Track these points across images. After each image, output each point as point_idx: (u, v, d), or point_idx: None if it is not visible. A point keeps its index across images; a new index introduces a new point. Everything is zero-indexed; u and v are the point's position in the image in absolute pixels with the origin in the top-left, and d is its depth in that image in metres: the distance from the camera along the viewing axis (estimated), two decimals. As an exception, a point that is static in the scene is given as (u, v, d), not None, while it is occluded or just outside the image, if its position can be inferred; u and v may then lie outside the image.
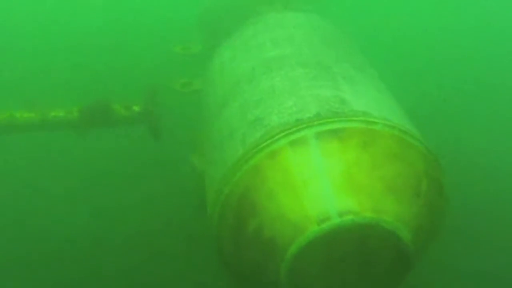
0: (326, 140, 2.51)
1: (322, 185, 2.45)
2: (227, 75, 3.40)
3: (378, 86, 3.10)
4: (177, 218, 4.44)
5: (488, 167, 4.92)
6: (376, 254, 2.53)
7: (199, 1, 5.12)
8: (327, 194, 2.45)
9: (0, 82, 5.01)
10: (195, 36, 4.83)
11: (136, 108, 4.61)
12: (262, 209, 2.52)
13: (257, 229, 2.54)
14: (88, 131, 4.59)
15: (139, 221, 4.42)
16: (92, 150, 4.85)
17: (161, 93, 4.60)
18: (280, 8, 3.93)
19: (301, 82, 2.86)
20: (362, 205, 2.45)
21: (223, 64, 3.58)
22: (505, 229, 4.28)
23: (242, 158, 2.59)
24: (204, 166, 3.93)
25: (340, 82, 2.86)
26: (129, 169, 4.90)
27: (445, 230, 2.91)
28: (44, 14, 6.00)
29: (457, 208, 3.05)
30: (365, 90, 2.87)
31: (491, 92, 6.09)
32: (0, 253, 4.01)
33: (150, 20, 6.09)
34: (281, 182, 2.49)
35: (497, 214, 4.47)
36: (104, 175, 4.93)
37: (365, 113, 2.61)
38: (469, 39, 7.01)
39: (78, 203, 4.64)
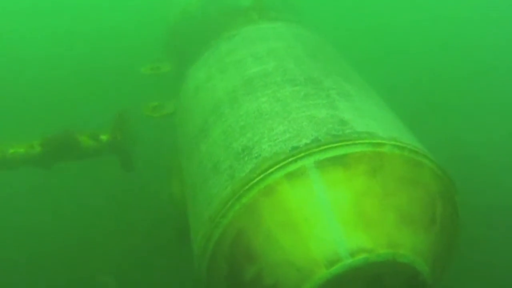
0: (328, 169, 2.16)
1: (329, 222, 2.11)
2: (204, 98, 3.03)
3: (375, 99, 2.78)
4: (154, 250, 4.21)
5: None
6: (392, 292, 2.21)
7: (163, 17, 4.75)
8: (335, 231, 2.10)
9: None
10: (164, 54, 4.45)
11: (104, 138, 4.21)
12: (260, 254, 2.16)
13: (256, 277, 2.18)
14: (53, 166, 4.18)
15: (114, 255, 4.17)
16: (60, 184, 4.41)
17: (131, 119, 4.21)
18: (256, 18, 3.58)
19: (291, 103, 2.51)
20: (376, 240, 2.12)
21: (198, 86, 3.21)
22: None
23: (233, 196, 2.22)
24: (182, 194, 3.63)
25: (335, 99, 2.53)
26: (102, 201, 4.49)
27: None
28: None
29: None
30: (364, 106, 2.54)
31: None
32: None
33: (115, 41, 5.64)
34: (281, 222, 2.14)
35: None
36: (75, 211, 4.53)
37: (370, 134, 2.28)
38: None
39: (49, 239, 4.23)
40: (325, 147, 2.19)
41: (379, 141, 2.25)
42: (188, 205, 2.84)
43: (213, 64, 3.25)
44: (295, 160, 2.17)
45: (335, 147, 2.19)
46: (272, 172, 2.17)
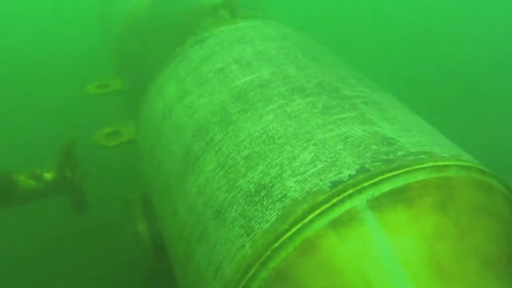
0: (387, 209, 1.56)
1: (397, 282, 1.51)
2: (180, 121, 2.37)
3: (401, 104, 2.22)
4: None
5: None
6: None
7: (104, 23, 4.01)
8: (406, 294, 1.51)
9: None
10: (112, 71, 3.72)
11: (48, 176, 3.44)
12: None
13: None
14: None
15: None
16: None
17: (80, 150, 3.46)
18: (229, 18, 2.94)
19: (310, 119, 1.90)
20: (458, 297, 1.55)
21: (168, 105, 2.54)
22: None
23: (256, 259, 1.58)
24: (152, 234, 2.99)
25: (364, 110, 1.94)
26: (54, 243, 3.69)
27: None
28: None
29: None
30: (401, 117, 1.97)
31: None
32: None
33: (53, 56, 4.76)
34: (329, 290, 1.52)
35: None
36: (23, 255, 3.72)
37: (428, 154, 1.70)
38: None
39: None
40: (378, 178, 1.59)
41: (443, 162, 1.68)
42: (175, 262, 2.17)
43: (185, 76, 2.58)
44: (341, 201, 1.56)
45: (391, 177, 1.59)
46: (310, 221, 1.55)
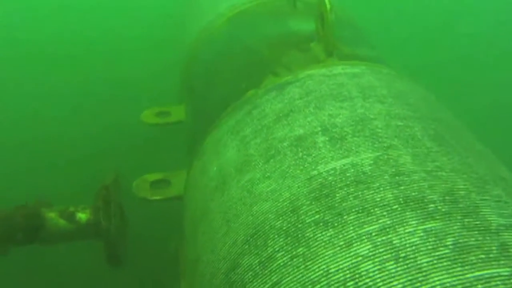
0: None
1: None
2: (233, 209, 1.67)
3: None
4: None
5: None
6: None
7: (184, 42, 3.36)
8: None
9: None
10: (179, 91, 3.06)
11: (82, 217, 2.86)
12: None
13: None
14: (9, 251, 2.87)
15: None
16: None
17: (123, 192, 2.86)
18: (323, 56, 2.19)
19: (432, 270, 1.13)
20: None
21: (223, 176, 1.85)
22: None
23: None
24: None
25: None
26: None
27: None
28: None
29: None
30: None
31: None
32: None
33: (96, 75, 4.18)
34: None
35: None
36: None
37: None
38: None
39: None
40: None
41: None
42: None
43: (251, 137, 1.86)
44: None
45: None
46: None
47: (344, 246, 1.27)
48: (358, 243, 1.26)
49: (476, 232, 1.22)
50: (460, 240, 1.20)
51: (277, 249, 1.38)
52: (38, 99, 3.86)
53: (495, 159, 1.73)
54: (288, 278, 1.29)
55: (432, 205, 1.31)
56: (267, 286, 1.32)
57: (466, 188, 1.37)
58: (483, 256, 1.16)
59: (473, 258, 1.15)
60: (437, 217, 1.27)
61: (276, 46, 2.38)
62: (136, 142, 3.28)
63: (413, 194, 1.35)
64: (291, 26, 2.54)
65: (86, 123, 3.67)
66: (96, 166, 2.90)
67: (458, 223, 1.25)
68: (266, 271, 1.36)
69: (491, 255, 1.16)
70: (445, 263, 1.15)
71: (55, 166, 3.36)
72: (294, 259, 1.32)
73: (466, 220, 1.26)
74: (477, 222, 1.25)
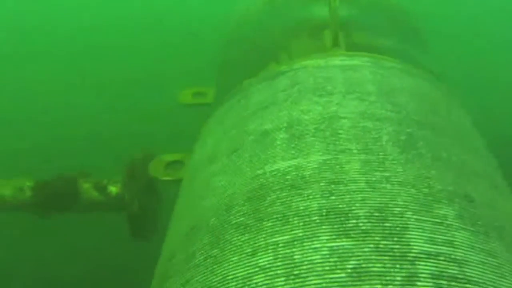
0: None
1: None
2: (191, 199, 1.64)
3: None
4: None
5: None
6: None
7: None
8: None
9: None
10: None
11: (113, 190, 2.98)
12: None
13: None
14: (46, 216, 3.08)
15: None
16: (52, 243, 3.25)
17: (157, 166, 2.91)
18: (330, 44, 2.05)
19: None
20: None
21: (197, 165, 1.82)
22: None
23: None
24: None
25: None
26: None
27: None
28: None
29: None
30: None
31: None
32: None
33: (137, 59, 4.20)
34: None
35: None
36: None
37: None
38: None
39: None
40: None
41: None
42: None
43: (229, 129, 1.80)
44: None
45: None
46: None
47: (249, 254, 1.19)
48: (262, 253, 1.17)
49: (387, 258, 1.08)
50: (363, 265, 1.07)
51: (199, 247, 1.34)
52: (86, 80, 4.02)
53: (488, 174, 1.52)
54: (196, 279, 1.25)
55: (353, 221, 1.17)
56: (180, 282, 1.29)
57: (404, 205, 1.22)
58: (379, 286, 1.02)
59: (367, 287, 1.02)
60: (352, 235, 1.14)
61: (289, 32, 2.27)
62: (174, 122, 3.33)
63: (340, 206, 1.22)
64: (315, 10, 2.40)
65: (130, 105, 3.79)
66: (137, 145, 2.98)
67: (371, 245, 1.11)
68: (185, 268, 1.32)
69: (389, 286, 1.02)
70: (333, 288, 1.03)
71: (103, 143, 3.53)
72: (207, 260, 1.27)
73: (383, 242, 1.12)
74: (395, 246, 1.11)
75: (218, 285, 1.17)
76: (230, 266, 1.19)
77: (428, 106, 1.73)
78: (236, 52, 2.67)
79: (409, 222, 1.17)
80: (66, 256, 3.23)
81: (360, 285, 1.03)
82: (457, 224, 1.20)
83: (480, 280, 1.06)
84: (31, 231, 3.04)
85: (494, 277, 1.08)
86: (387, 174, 1.32)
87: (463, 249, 1.12)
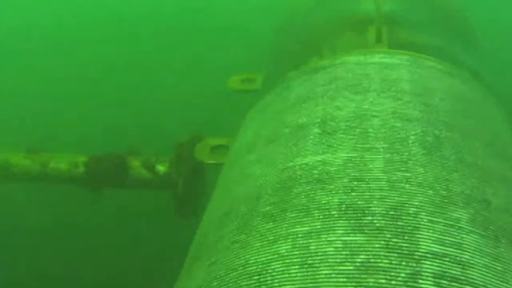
0: None
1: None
2: (227, 186, 1.75)
3: None
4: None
5: None
6: None
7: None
8: None
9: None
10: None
11: (161, 169, 3.15)
12: None
13: None
14: (97, 190, 3.28)
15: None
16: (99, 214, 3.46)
17: (202, 149, 3.05)
18: (373, 41, 2.09)
19: None
20: None
21: (236, 154, 1.93)
22: None
23: None
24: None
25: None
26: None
27: None
28: (53, 43, 4.58)
29: None
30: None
31: None
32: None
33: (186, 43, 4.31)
34: None
35: None
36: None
37: None
38: None
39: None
40: None
41: None
42: None
43: (268, 120, 1.89)
44: None
45: None
46: None
47: (271, 241, 1.28)
48: (282, 241, 1.26)
49: (395, 255, 1.15)
50: (372, 260, 1.14)
51: (228, 231, 1.44)
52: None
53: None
54: (222, 261, 1.35)
55: (369, 218, 1.24)
56: (207, 264, 1.40)
57: (419, 205, 1.27)
58: (383, 281, 1.09)
59: (372, 280, 1.10)
60: (366, 231, 1.21)
61: (334, 26, 2.32)
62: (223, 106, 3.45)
63: (359, 202, 1.30)
64: (361, 5, 2.44)
65: (182, 88, 3.93)
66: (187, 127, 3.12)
67: (382, 241, 1.18)
68: (213, 250, 1.43)
69: (392, 282, 1.09)
70: (341, 279, 1.11)
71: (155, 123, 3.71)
72: (234, 244, 1.37)
73: (394, 240, 1.18)
74: (404, 245, 1.17)
75: (240, 268, 1.27)
76: (253, 251, 1.29)
77: (462, 108, 1.75)
78: (284, 42, 2.74)
79: (421, 223, 1.23)
80: (112, 229, 3.44)
81: (365, 278, 1.10)
82: (468, 227, 1.25)
83: (481, 283, 1.11)
84: (82, 203, 3.24)
85: (497, 281, 1.13)
86: (408, 174, 1.37)
87: (470, 252, 1.17)
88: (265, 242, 1.29)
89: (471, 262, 1.16)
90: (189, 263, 1.57)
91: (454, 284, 1.09)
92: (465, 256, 1.17)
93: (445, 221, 1.24)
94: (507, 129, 1.88)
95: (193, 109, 3.62)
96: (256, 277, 1.21)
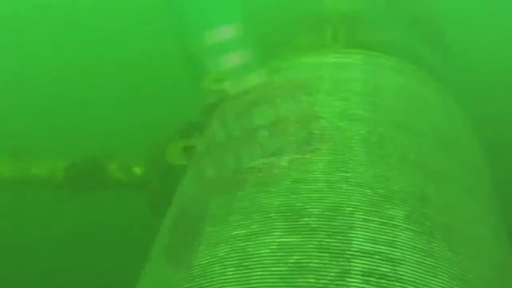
0: None
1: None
2: (185, 186, 1.80)
3: None
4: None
5: None
6: None
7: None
8: None
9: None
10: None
11: (137, 171, 3.19)
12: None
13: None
14: (77, 194, 3.33)
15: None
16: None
17: (173, 151, 3.08)
18: (330, 41, 2.12)
19: None
20: None
21: (198, 154, 1.97)
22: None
23: None
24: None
25: None
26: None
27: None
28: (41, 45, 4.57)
29: None
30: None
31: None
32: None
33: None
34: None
35: None
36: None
37: None
38: None
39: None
40: None
41: None
42: None
43: (226, 118, 1.94)
44: None
45: None
46: None
47: (213, 244, 1.33)
48: (223, 245, 1.30)
49: (327, 254, 1.19)
50: (304, 260, 1.18)
51: (178, 234, 1.49)
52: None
53: (462, 176, 1.59)
54: (170, 264, 1.39)
55: (305, 219, 1.28)
56: (160, 266, 1.45)
57: (355, 205, 1.31)
58: (312, 280, 1.13)
59: (302, 280, 1.14)
60: (302, 232, 1.25)
61: (294, 25, 2.35)
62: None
63: (297, 204, 1.33)
64: (323, 4, 2.47)
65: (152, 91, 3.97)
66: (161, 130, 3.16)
67: (316, 242, 1.22)
68: (162, 253, 1.48)
69: (321, 281, 1.13)
70: (273, 280, 1.15)
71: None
72: (182, 247, 1.41)
73: (327, 240, 1.22)
74: (337, 244, 1.21)
75: (185, 271, 1.31)
76: (198, 254, 1.33)
77: (411, 107, 1.79)
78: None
79: (356, 222, 1.27)
80: (93, 231, 3.48)
81: (296, 278, 1.14)
82: (403, 224, 1.29)
83: (410, 279, 1.15)
84: (61, 208, 3.28)
85: (426, 276, 1.17)
86: (348, 174, 1.41)
87: (401, 249, 1.21)
88: (209, 245, 1.34)
89: (402, 258, 1.20)
90: (146, 265, 1.62)
91: (382, 281, 1.14)
92: (397, 253, 1.21)
93: (380, 220, 1.28)
94: (460, 126, 1.92)
95: (166, 112, 3.65)
96: (197, 280, 1.25)
